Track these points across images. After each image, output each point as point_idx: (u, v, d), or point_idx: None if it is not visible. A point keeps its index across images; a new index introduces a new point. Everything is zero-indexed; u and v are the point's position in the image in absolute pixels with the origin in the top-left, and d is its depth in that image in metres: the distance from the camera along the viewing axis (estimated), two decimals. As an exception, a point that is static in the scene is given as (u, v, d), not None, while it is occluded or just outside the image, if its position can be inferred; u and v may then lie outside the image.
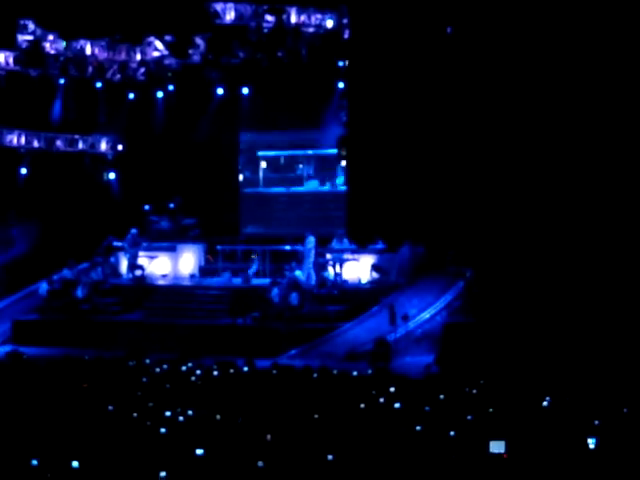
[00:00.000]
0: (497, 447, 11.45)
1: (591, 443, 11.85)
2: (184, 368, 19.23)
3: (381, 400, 15.39)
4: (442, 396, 15.70)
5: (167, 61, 28.94)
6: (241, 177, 30.35)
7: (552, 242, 22.59)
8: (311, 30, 27.27)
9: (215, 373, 18.66)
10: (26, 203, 28.10)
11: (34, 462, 10.97)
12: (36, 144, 29.10)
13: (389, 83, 24.92)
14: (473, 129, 23.68)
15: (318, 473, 10.92)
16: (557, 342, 19.63)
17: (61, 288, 26.61)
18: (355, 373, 18.80)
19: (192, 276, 27.60)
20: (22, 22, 28.08)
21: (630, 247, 21.85)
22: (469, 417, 13.87)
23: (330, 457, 11.30)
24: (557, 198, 22.80)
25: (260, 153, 30.07)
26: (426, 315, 23.93)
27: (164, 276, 27.70)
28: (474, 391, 16.39)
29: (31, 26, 28.20)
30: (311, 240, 26.41)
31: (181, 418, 13.88)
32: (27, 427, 13.07)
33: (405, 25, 24.68)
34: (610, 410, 14.14)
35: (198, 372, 18.69)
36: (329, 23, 27.17)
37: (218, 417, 14.05)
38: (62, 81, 28.98)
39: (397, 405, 14.80)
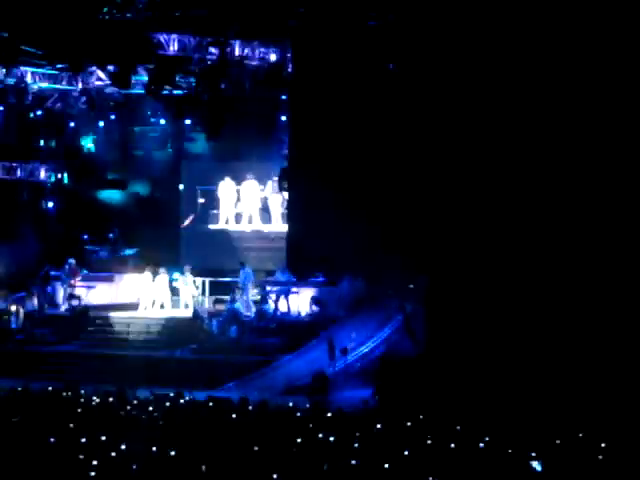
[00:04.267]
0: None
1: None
2: (119, 400, 18.98)
3: (318, 434, 15.31)
4: (379, 429, 15.69)
5: (109, 90, 28.82)
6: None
7: (490, 280, 22.77)
8: (254, 63, 27.35)
9: (151, 405, 18.44)
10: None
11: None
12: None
13: (331, 118, 25.06)
14: (413, 166, 23.85)
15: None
16: (497, 379, 19.72)
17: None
18: (292, 406, 18.69)
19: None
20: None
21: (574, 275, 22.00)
22: (406, 452, 13.85)
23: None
24: (495, 235, 23.02)
25: (200, 187, 29.81)
26: (365, 349, 23.96)
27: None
28: (410, 425, 16.39)
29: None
30: (249, 272, 26.38)
31: (113, 453, 13.67)
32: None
33: (348, 60, 24.86)
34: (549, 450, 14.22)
35: (134, 404, 18.47)
36: (272, 57, 27.28)
37: (153, 450, 13.88)
38: (1, 108, 28.68)
39: (332, 439, 14.76)
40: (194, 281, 27.14)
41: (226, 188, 28.91)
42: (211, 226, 29.23)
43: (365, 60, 24.87)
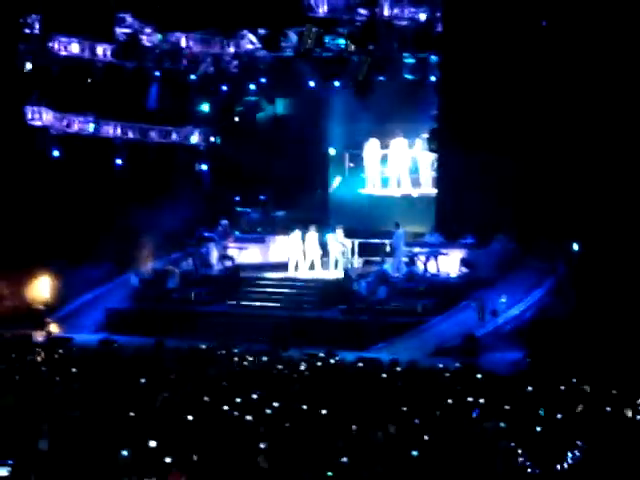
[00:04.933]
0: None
1: None
2: (272, 359, 19.36)
3: (468, 395, 15.27)
4: (530, 392, 15.53)
5: (260, 54, 29.13)
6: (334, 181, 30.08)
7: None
8: (404, 23, 27.13)
9: (303, 365, 18.74)
10: (121, 193, 28.54)
11: (124, 453, 11.07)
12: (131, 135, 29.57)
13: (482, 77, 24.65)
14: (567, 123, 23.26)
15: (402, 468, 10.89)
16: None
17: (153, 278, 27.04)
18: (442, 367, 18.66)
19: None
20: (120, 15, 28.55)
21: None
22: (558, 415, 13.66)
23: (414, 453, 11.26)
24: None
25: (348, 150, 29.74)
26: (516, 311, 23.68)
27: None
28: (562, 388, 16.17)
29: (128, 19, 28.67)
30: (401, 233, 26.34)
31: (269, 410, 13.98)
32: (116, 416, 13.32)
33: (498, 18, 24.38)
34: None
35: (286, 363, 18.81)
36: (422, 16, 27.00)
37: (304, 408, 14.13)
38: (157, 73, 29.39)
39: (483, 401, 14.70)
40: (343, 242, 27.34)
41: (372, 149, 28.81)
42: (360, 190, 29.22)
43: (517, 17, 24.33)
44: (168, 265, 27.43)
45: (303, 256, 27.41)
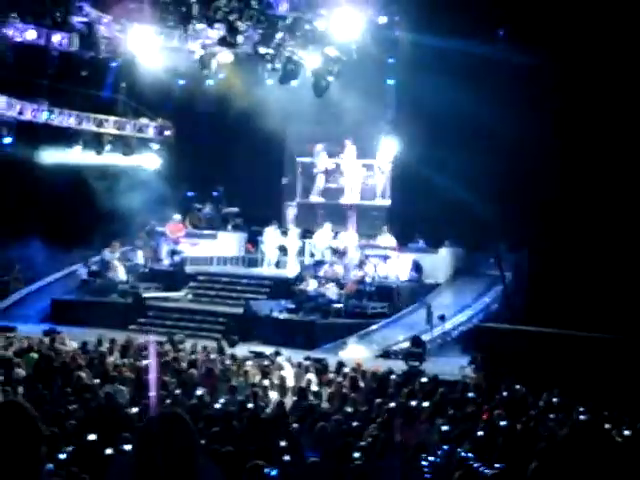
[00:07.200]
0: None
1: None
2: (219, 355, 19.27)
3: (412, 399, 15.34)
4: (473, 398, 15.63)
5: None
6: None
7: (590, 256, 22.35)
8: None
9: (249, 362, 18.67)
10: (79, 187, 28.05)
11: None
12: (85, 125, 29.09)
13: (436, 82, 24.56)
14: (518, 138, 23.23)
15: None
16: (598, 352, 19.38)
17: (100, 270, 26.78)
18: (388, 370, 18.71)
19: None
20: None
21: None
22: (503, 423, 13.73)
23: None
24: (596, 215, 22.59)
25: (298, 159, 29.52)
26: (463, 317, 23.82)
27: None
28: (505, 395, 16.30)
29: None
30: (351, 235, 26.37)
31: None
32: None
33: (451, 21, 24.23)
34: None
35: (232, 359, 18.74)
36: (381, 19, 26.87)
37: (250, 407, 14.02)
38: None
39: (426, 404, 14.76)
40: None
41: (322, 158, 28.60)
42: (312, 198, 28.90)
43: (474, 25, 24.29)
44: (117, 258, 27.17)
45: (276, 252, 27.33)
